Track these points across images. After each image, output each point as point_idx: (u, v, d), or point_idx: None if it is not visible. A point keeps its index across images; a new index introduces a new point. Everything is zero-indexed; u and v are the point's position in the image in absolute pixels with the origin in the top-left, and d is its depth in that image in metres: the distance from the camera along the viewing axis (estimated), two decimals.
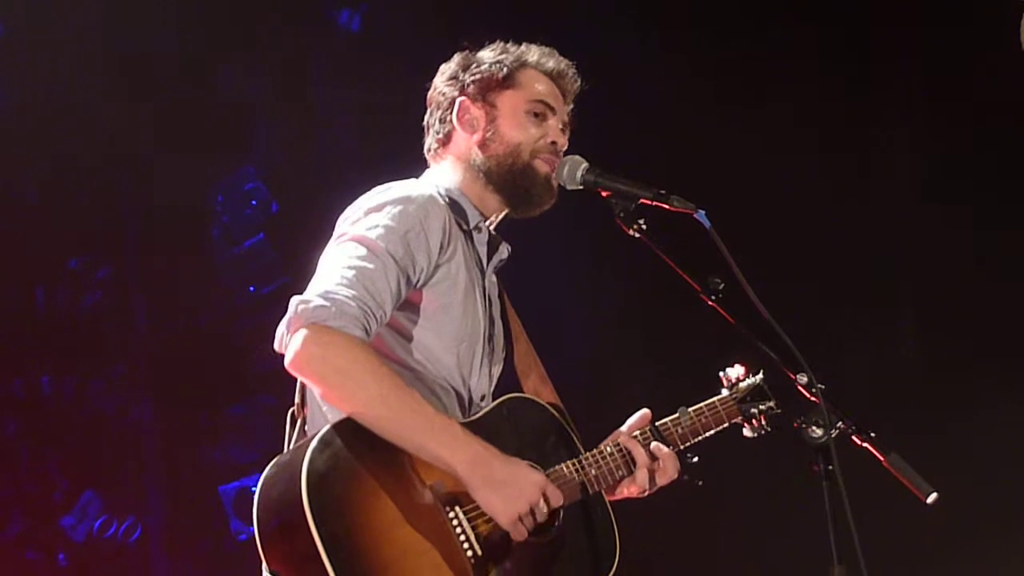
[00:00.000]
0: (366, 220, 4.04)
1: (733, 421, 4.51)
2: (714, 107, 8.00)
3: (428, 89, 4.51)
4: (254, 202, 9.18)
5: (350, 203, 4.19)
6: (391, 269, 3.94)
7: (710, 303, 4.05)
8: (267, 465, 3.87)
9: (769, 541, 7.85)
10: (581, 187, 4.29)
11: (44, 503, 9.18)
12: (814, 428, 3.89)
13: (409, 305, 4.07)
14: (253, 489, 8.51)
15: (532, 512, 3.87)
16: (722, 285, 4.02)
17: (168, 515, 9.26)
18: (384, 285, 3.92)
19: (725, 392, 4.55)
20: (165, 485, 9.29)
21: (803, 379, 3.96)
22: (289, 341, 3.83)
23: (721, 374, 4.59)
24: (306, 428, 4.13)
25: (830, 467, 3.83)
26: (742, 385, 4.55)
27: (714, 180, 6.82)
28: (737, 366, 4.57)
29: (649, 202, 4.14)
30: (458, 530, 3.82)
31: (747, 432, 4.56)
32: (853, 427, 3.93)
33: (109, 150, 8.84)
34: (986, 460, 7.50)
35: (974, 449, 7.50)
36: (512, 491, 3.84)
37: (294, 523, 3.65)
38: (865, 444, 3.95)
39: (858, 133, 8.07)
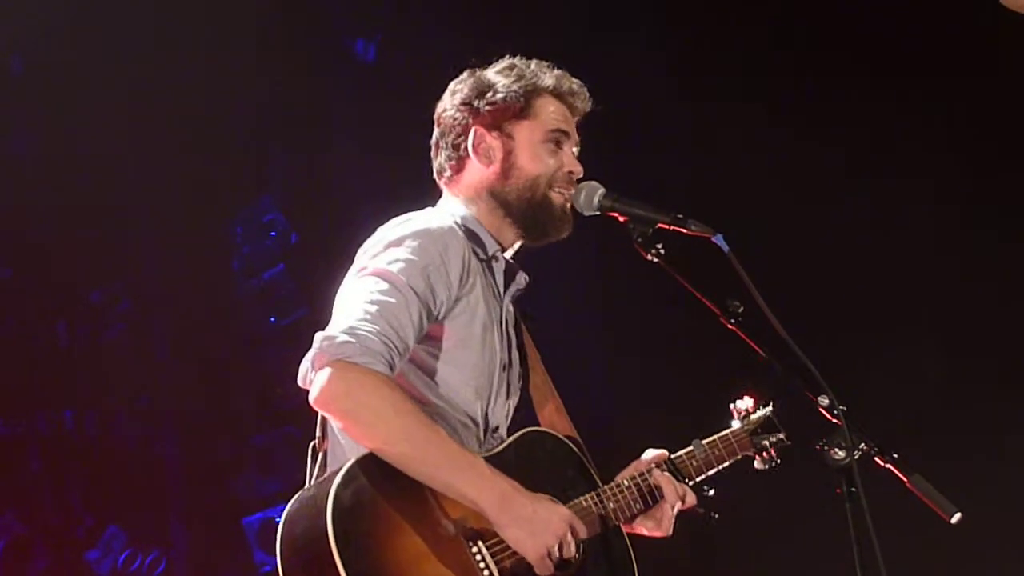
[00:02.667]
0: (386, 254, 4.02)
1: (745, 453, 4.50)
2: (733, 130, 7.99)
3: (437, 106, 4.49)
4: (273, 233, 9.21)
5: (369, 232, 4.18)
6: (413, 303, 3.93)
7: (730, 326, 4.03)
8: (291, 498, 3.86)
9: (792, 565, 7.82)
10: (598, 213, 4.28)
11: (69, 538, 9.19)
12: (836, 450, 3.86)
13: (429, 338, 4.06)
14: (277, 520, 8.47)
15: (559, 547, 3.85)
16: (741, 308, 4.01)
17: (192, 548, 9.26)
18: (406, 320, 3.91)
19: (736, 424, 4.54)
20: (189, 518, 9.30)
21: (824, 401, 3.93)
22: (314, 377, 3.82)
23: (731, 406, 4.59)
24: (327, 462, 4.12)
25: (853, 489, 3.81)
26: (753, 417, 4.54)
27: (733, 203, 6.80)
28: (746, 398, 4.56)
29: (667, 226, 4.13)
30: (481, 565, 3.81)
31: (757, 464, 4.56)
32: (876, 448, 3.91)
33: (128, 183, 8.87)
34: (1011, 483, 7.46)
35: (999, 473, 7.47)
36: (539, 527, 3.82)
37: (320, 559, 3.63)
38: (888, 465, 3.93)
39: (883, 156, 8.04)
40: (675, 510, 4.34)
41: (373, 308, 3.88)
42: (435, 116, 4.49)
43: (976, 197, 7.81)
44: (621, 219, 4.22)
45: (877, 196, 7.99)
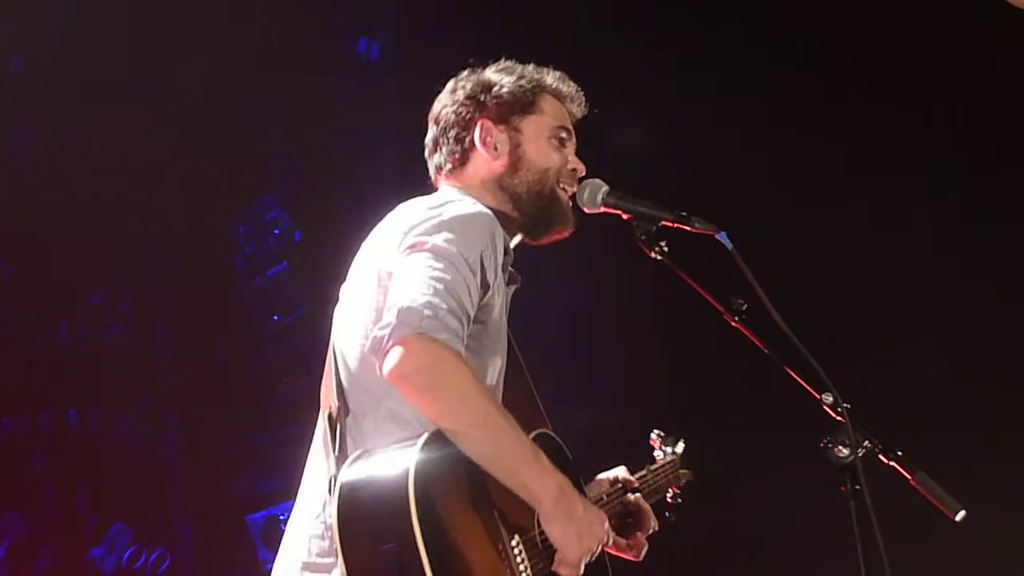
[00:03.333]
0: (443, 234, 3.94)
1: (673, 484, 4.54)
2: (735, 129, 7.99)
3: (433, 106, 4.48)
4: (276, 231, 9.22)
5: (370, 229, 4.16)
6: (472, 284, 3.88)
7: (734, 324, 4.04)
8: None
9: (796, 563, 7.83)
10: (601, 210, 4.28)
11: (73, 536, 9.21)
12: (840, 448, 3.86)
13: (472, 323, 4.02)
14: (281, 517, 8.53)
15: (594, 552, 3.86)
16: (745, 306, 4.01)
17: (196, 545, 9.27)
18: (468, 300, 3.85)
19: (666, 455, 4.55)
20: (193, 515, 9.32)
21: (828, 399, 3.93)
22: (391, 348, 3.71)
23: (652, 436, 4.58)
24: (346, 437, 4.03)
25: (857, 487, 3.81)
26: (678, 448, 4.56)
27: (734, 202, 6.80)
28: (655, 432, 4.58)
29: (670, 224, 4.13)
30: (518, 559, 3.81)
31: (669, 498, 4.58)
32: (879, 446, 3.91)
33: (129, 182, 8.89)
34: (1015, 482, 7.46)
35: (1002, 471, 7.47)
36: (586, 528, 3.81)
37: (397, 528, 3.57)
38: (892, 463, 3.93)
39: (884, 156, 8.04)
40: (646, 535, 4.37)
41: (440, 286, 3.79)
42: (432, 115, 4.47)
43: (977, 196, 7.80)
44: (624, 217, 4.22)
45: (878, 195, 7.98)
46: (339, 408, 4.06)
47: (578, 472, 4.27)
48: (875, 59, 7.90)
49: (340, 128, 8.97)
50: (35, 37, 8.47)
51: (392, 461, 3.70)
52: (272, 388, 9.10)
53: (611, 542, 3.94)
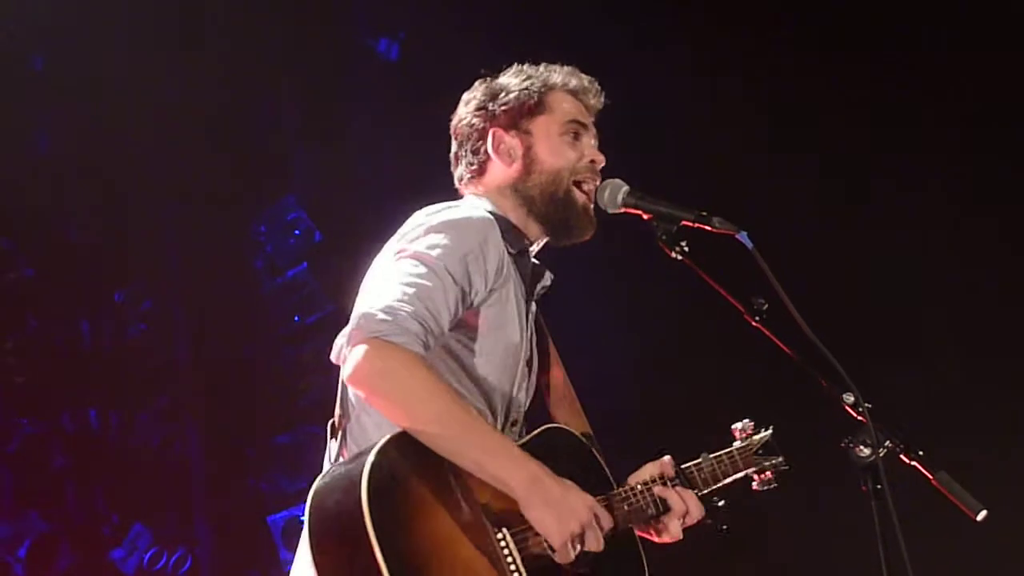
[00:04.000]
0: (426, 239, 4.03)
1: (748, 471, 4.50)
2: (756, 131, 7.99)
3: (451, 120, 4.51)
4: (297, 231, 9.23)
5: (393, 230, 4.19)
6: (450, 288, 3.94)
7: (754, 324, 4.03)
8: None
9: (818, 562, 7.81)
10: (622, 210, 4.27)
11: (94, 536, 9.22)
12: (862, 448, 3.85)
13: (460, 326, 4.07)
14: (301, 519, 8.51)
15: (583, 535, 3.85)
16: (766, 306, 4.01)
17: (217, 546, 9.27)
18: (443, 303, 3.91)
19: (739, 443, 4.54)
20: (214, 516, 9.32)
21: (849, 398, 3.92)
22: (349, 353, 3.82)
23: (733, 427, 4.57)
24: (347, 439, 4.12)
25: (879, 486, 3.80)
26: (755, 438, 4.54)
27: (754, 202, 6.80)
28: (746, 420, 4.56)
29: (691, 224, 4.12)
30: (505, 551, 3.82)
31: (755, 485, 4.55)
32: (901, 446, 3.90)
33: (150, 183, 8.90)
34: None
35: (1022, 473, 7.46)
36: (565, 512, 3.82)
37: (354, 533, 3.62)
38: (914, 463, 3.92)
39: (906, 156, 8.02)
40: (683, 522, 4.33)
41: (411, 290, 3.88)
42: (452, 129, 4.51)
43: (996, 198, 7.79)
44: (645, 217, 4.21)
45: (899, 196, 7.98)
46: (340, 415, 4.17)
47: (598, 462, 4.29)
48: (901, 60, 7.90)
49: (361, 129, 8.98)
50: (57, 37, 8.49)
51: (352, 467, 3.76)
52: (293, 389, 9.11)
53: (606, 525, 3.93)
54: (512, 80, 4.43)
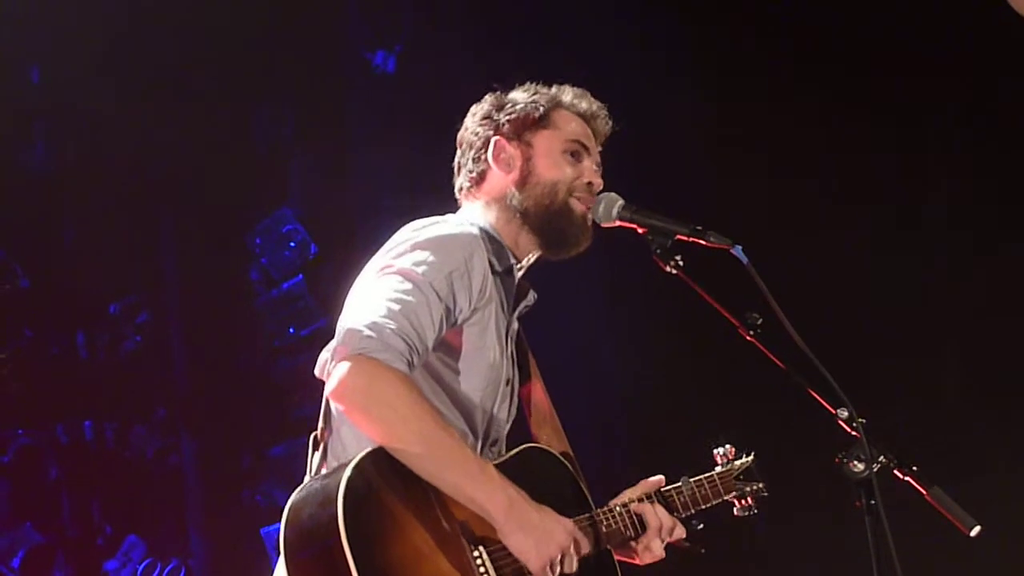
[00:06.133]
0: (412, 255, 4.01)
1: (728, 497, 4.51)
2: (752, 143, 7.99)
3: (458, 131, 4.51)
4: (292, 244, 9.23)
5: (386, 243, 4.18)
6: (435, 305, 3.93)
7: (749, 338, 4.03)
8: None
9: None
10: (617, 224, 4.27)
11: (88, 548, 9.21)
12: (856, 463, 3.85)
13: (442, 345, 4.05)
14: None
15: (561, 560, 3.86)
16: (760, 320, 4.01)
17: (211, 558, 9.27)
18: (428, 320, 3.90)
19: (720, 468, 4.55)
20: (208, 528, 9.31)
21: (844, 414, 3.92)
22: (333, 369, 3.82)
23: (714, 452, 4.58)
24: (327, 454, 4.12)
25: (872, 502, 3.80)
26: (736, 463, 4.55)
27: (749, 216, 6.80)
28: (727, 445, 4.57)
29: (686, 238, 4.12)
30: (482, 570, 3.81)
31: (736, 511, 4.57)
32: (895, 461, 3.90)
33: (146, 194, 8.91)
34: None
35: (1016, 489, 7.46)
36: (543, 536, 3.83)
37: (327, 546, 3.63)
38: (907, 478, 3.92)
39: (904, 182, 8.03)
40: (664, 541, 4.34)
41: (396, 307, 3.87)
42: (457, 139, 4.50)
43: (995, 210, 7.79)
44: (640, 231, 4.21)
45: (895, 209, 7.99)
46: (323, 428, 4.16)
47: (577, 483, 4.28)
48: (900, 71, 7.90)
49: (357, 141, 8.99)
50: (52, 48, 8.50)
51: (329, 482, 3.76)
52: (288, 401, 9.11)
53: (581, 549, 3.93)
54: (521, 94, 4.42)
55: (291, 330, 9.26)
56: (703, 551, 4.44)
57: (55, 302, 9.07)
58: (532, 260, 4.40)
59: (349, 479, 3.69)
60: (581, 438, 4.53)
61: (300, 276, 9.23)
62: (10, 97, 8.47)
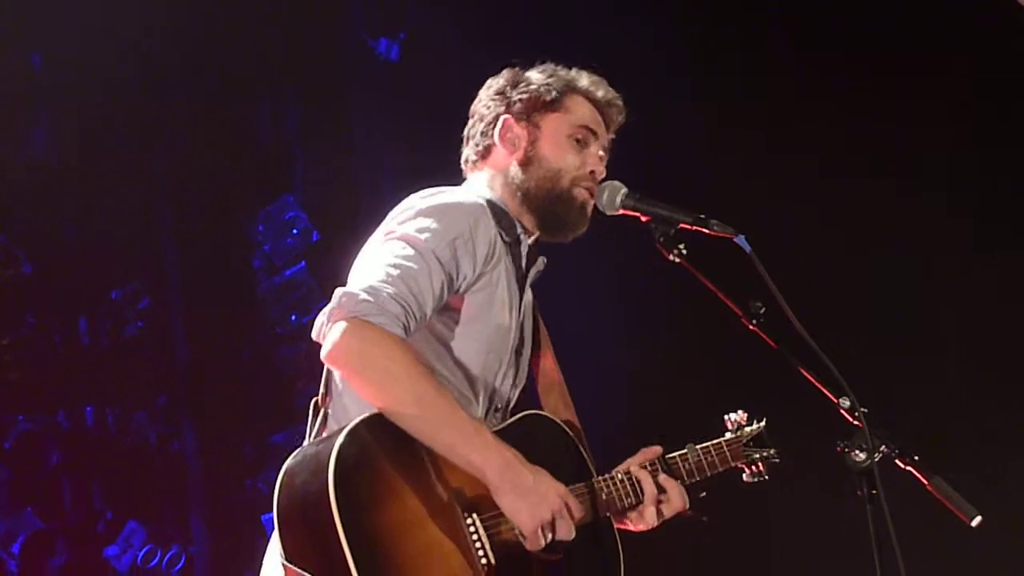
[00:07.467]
0: (416, 221, 4.04)
1: (737, 463, 4.51)
2: (754, 133, 7.99)
3: (473, 100, 4.51)
4: (295, 231, 9.23)
5: None
6: (436, 272, 3.95)
7: (751, 327, 4.03)
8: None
9: (812, 567, 7.81)
10: (620, 212, 4.27)
11: (88, 534, 9.21)
12: (857, 452, 3.86)
13: (447, 309, 4.08)
14: None
15: (553, 523, 3.87)
16: (763, 309, 4.01)
17: (212, 545, 9.27)
18: (427, 286, 3.92)
19: (729, 435, 4.54)
20: (209, 515, 9.31)
21: (845, 403, 3.92)
22: (328, 331, 3.83)
23: (725, 417, 4.58)
24: (328, 419, 4.13)
25: (874, 491, 3.80)
26: (746, 430, 4.54)
27: (753, 206, 6.80)
28: (740, 411, 4.56)
29: (689, 227, 4.13)
30: (474, 536, 3.83)
31: (746, 477, 4.56)
32: (897, 450, 3.90)
33: (149, 180, 8.91)
34: None
35: (1018, 478, 7.47)
36: (536, 498, 3.84)
37: (319, 513, 3.66)
38: (909, 468, 3.93)
39: (907, 163, 8.03)
40: (661, 512, 4.33)
41: (395, 271, 3.89)
42: (470, 111, 4.51)
43: (997, 205, 7.79)
44: (643, 219, 4.22)
45: (898, 201, 7.98)
46: (324, 393, 4.17)
47: (579, 450, 4.29)
48: (905, 59, 7.90)
49: (360, 128, 8.99)
50: (54, 36, 8.49)
51: (322, 447, 3.78)
52: (290, 388, 9.11)
53: (575, 514, 3.93)
54: (537, 74, 4.42)
55: (293, 317, 9.25)
56: (705, 519, 4.44)
57: (57, 288, 9.06)
58: (535, 237, 4.41)
59: (342, 445, 3.71)
60: (584, 426, 4.53)
61: (303, 263, 9.22)
62: (13, 84, 8.47)
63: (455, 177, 4.49)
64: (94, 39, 8.33)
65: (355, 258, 4.18)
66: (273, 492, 3.83)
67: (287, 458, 3.88)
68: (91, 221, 8.93)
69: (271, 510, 3.82)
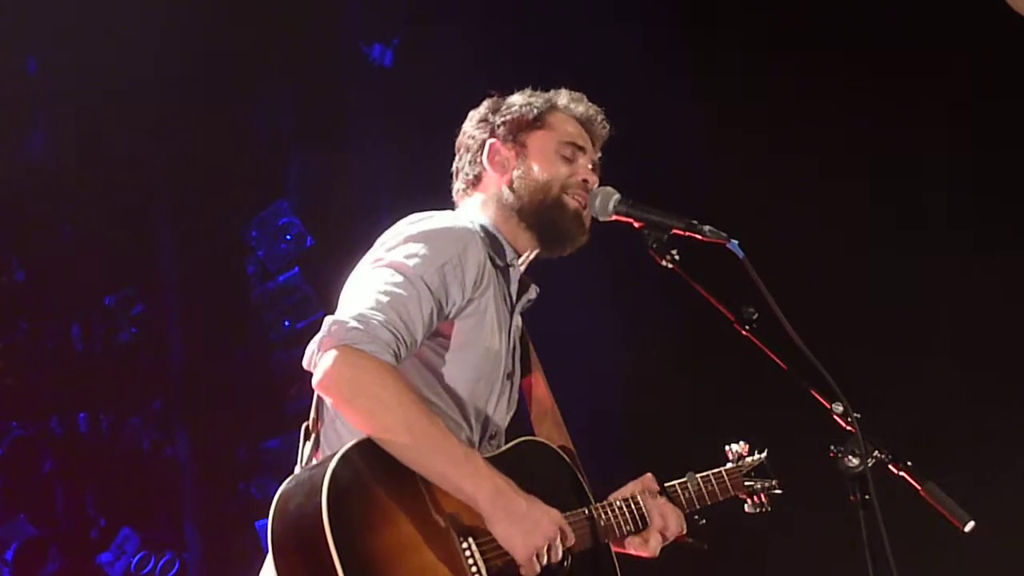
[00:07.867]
0: (404, 248, 4.04)
1: (737, 493, 4.52)
2: (748, 138, 7.99)
3: (456, 131, 4.53)
4: (288, 236, 9.23)
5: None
6: (425, 298, 3.94)
7: (744, 332, 4.03)
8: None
9: (805, 572, 7.81)
10: (613, 218, 4.28)
11: (81, 540, 9.20)
12: (850, 457, 3.86)
13: (436, 336, 4.07)
14: None
15: (547, 549, 3.87)
16: (756, 315, 4.01)
17: (205, 551, 9.26)
18: (417, 313, 3.92)
19: (731, 465, 4.55)
20: (202, 521, 9.31)
21: (839, 408, 3.92)
22: (319, 360, 3.84)
23: (726, 448, 4.60)
24: (320, 444, 4.13)
25: (867, 496, 3.80)
26: (748, 460, 4.56)
27: (745, 211, 6.79)
28: (741, 442, 4.58)
29: (682, 232, 4.12)
30: (470, 561, 3.82)
31: (748, 508, 4.59)
32: (890, 456, 3.91)
33: (143, 186, 8.91)
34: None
35: (1013, 482, 7.46)
36: (529, 526, 3.84)
37: (313, 538, 3.64)
38: (902, 473, 3.93)
39: (902, 165, 8.03)
40: (663, 538, 4.35)
41: (385, 299, 3.89)
42: (455, 146, 4.52)
43: (993, 205, 7.79)
44: (636, 225, 4.22)
45: (893, 205, 7.98)
46: (315, 418, 4.18)
47: (576, 476, 4.29)
48: (901, 69, 7.90)
49: (354, 134, 8.99)
50: (49, 40, 8.49)
51: (316, 472, 3.77)
52: (283, 394, 9.10)
53: (568, 541, 3.93)
54: (518, 98, 4.46)
55: (287, 323, 9.25)
56: (706, 547, 4.44)
57: (51, 294, 9.06)
58: (532, 257, 4.41)
59: (335, 469, 3.70)
60: (578, 435, 4.53)
61: (296, 269, 9.22)
62: (7, 89, 8.46)
63: (448, 184, 4.50)
64: (89, 45, 8.33)
65: (348, 263, 4.18)
66: (267, 501, 3.83)
67: (285, 481, 3.87)
68: (85, 227, 8.93)
69: (264, 516, 3.81)
